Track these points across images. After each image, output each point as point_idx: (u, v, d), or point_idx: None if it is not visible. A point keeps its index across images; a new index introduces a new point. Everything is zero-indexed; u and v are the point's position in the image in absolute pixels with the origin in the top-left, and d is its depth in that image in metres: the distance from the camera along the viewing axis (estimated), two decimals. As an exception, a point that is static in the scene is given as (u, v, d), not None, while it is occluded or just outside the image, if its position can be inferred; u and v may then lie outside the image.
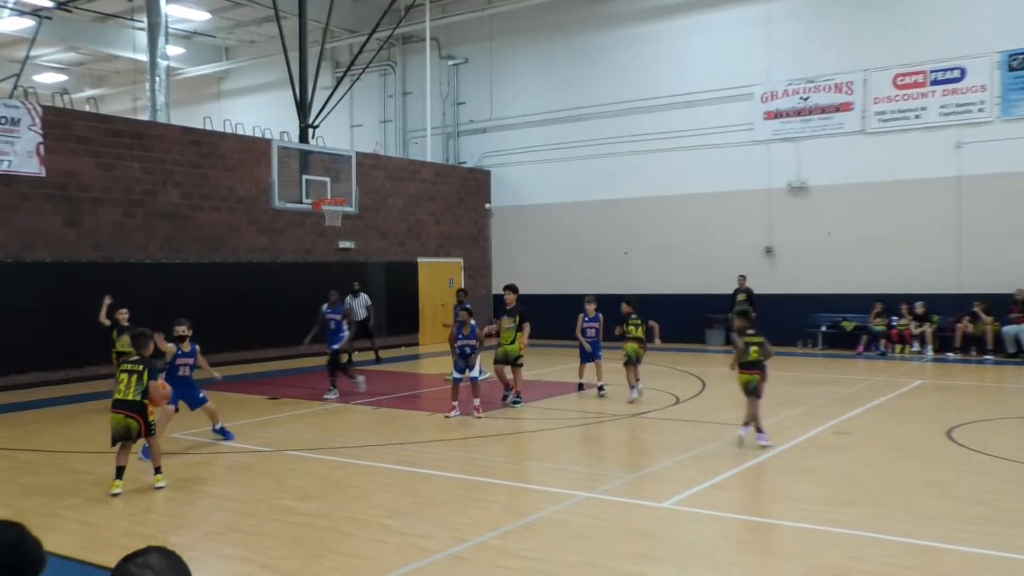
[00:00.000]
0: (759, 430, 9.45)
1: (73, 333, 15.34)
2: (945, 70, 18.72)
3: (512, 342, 12.45)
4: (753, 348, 9.45)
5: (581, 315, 13.56)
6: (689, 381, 14.93)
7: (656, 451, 9.77)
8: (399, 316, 22.26)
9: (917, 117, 19.06)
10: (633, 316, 13.29)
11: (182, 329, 9.84)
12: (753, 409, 9.45)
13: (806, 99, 20.28)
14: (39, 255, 15.31)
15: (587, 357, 13.53)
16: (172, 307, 14.18)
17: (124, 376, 7.90)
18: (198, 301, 17.01)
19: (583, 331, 13.45)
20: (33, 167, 15.11)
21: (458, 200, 24.48)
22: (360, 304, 18.80)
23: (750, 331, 9.60)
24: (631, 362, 12.99)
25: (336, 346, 13.62)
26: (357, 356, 18.81)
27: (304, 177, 16.28)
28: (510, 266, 24.36)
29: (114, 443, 7.91)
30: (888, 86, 19.33)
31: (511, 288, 13.05)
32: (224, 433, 10.27)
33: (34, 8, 23.20)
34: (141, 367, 7.88)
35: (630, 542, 6.31)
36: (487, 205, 25.27)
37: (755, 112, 20.92)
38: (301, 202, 16.22)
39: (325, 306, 13.95)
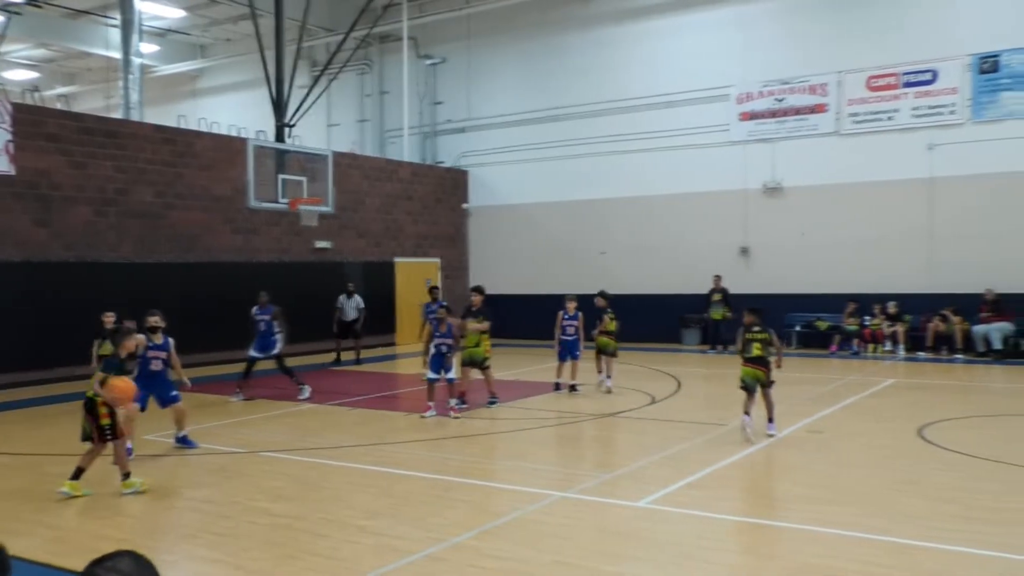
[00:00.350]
0: (747, 412, 9.73)
1: (43, 334, 15.13)
2: (917, 72, 18.94)
3: (477, 345, 12.42)
4: (755, 344, 9.83)
5: (561, 312, 13.72)
6: (664, 381, 14.99)
7: (631, 450, 9.82)
8: (376, 316, 22.11)
9: (890, 119, 19.26)
10: (609, 311, 13.92)
11: (154, 320, 9.54)
12: (768, 401, 9.86)
13: (781, 100, 20.44)
14: (8, 255, 15.06)
15: (564, 356, 13.61)
16: (145, 308, 13.82)
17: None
18: (172, 302, 16.69)
19: (563, 329, 13.57)
20: (2, 165, 14.88)
21: (435, 200, 24.43)
22: (352, 305, 18.77)
23: (756, 328, 9.93)
24: (602, 352, 13.75)
25: (276, 351, 13.37)
26: (343, 355, 18.74)
27: (280, 176, 16.17)
28: (487, 266, 24.34)
29: (82, 440, 7.82)
30: (861, 88, 19.53)
31: (478, 290, 12.95)
32: (187, 442, 9.77)
33: (3, 3, 22.86)
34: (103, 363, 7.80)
35: (606, 542, 6.33)
36: (464, 205, 25.24)
37: (731, 113, 21.05)
38: (277, 202, 16.11)
39: (255, 308, 13.69)
